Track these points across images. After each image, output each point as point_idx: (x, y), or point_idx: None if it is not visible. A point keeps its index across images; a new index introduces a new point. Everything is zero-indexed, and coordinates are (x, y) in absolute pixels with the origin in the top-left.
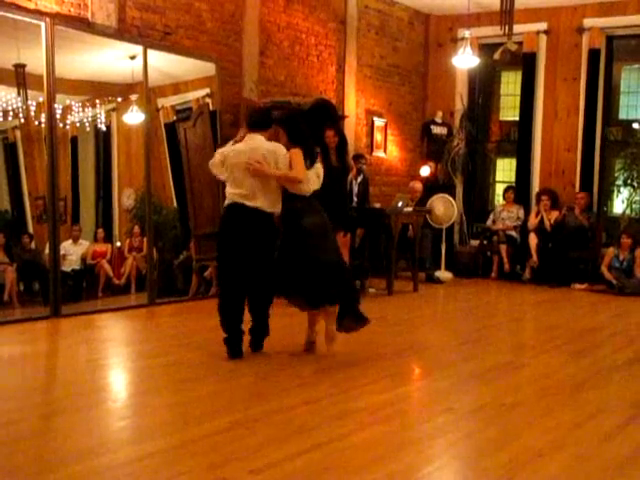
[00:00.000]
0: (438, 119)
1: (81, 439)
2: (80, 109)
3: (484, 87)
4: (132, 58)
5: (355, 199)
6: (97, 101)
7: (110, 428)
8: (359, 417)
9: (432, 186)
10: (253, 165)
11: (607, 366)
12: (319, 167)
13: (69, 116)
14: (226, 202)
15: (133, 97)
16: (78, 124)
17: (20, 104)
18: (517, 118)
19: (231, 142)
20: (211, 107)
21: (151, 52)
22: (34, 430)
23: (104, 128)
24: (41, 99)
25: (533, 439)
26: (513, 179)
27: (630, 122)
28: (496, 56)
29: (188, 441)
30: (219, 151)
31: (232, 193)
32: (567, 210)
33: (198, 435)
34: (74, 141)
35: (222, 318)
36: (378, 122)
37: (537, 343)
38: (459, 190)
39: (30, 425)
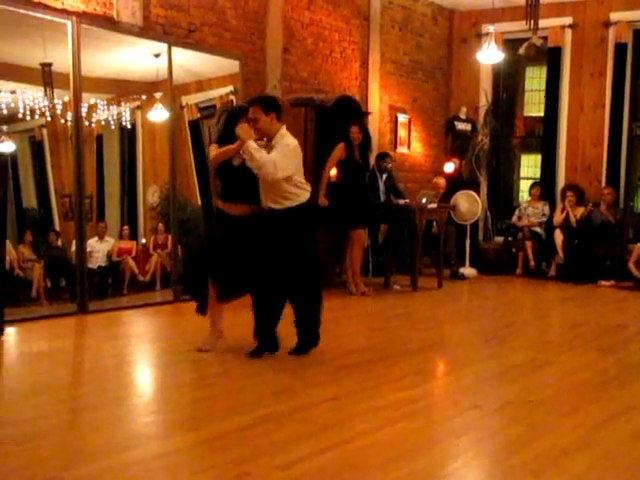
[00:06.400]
0: (462, 115)
1: (107, 434)
2: (105, 107)
3: (509, 83)
4: (157, 56)
5: (382, 197)
6: (122, 99)
7: (136, 423)
8: (384, 414)
9: (456, 182)
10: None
11: (634, 363)
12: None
13: (94, 114)
14: (303, 198)
15: (157, 95)
16: (103, 122)
17: (47, 103)
18: (542, 114)
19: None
20: (235, 104)
21: (175, 50)
22: (61, 425)
23: (129, 126)
24: (67, 98)
25: (559, 437)
26: (538, 175)
27: None
28: (521, 51)
29: (214, 436)
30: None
31: (307, 190)
32: (593, 206)
33: (224, 430)
34: (99, 139)
35: (262, 317)
36: (402, 118)
37: (563, 340)
38: (483, 186)
39: (57, 420)
